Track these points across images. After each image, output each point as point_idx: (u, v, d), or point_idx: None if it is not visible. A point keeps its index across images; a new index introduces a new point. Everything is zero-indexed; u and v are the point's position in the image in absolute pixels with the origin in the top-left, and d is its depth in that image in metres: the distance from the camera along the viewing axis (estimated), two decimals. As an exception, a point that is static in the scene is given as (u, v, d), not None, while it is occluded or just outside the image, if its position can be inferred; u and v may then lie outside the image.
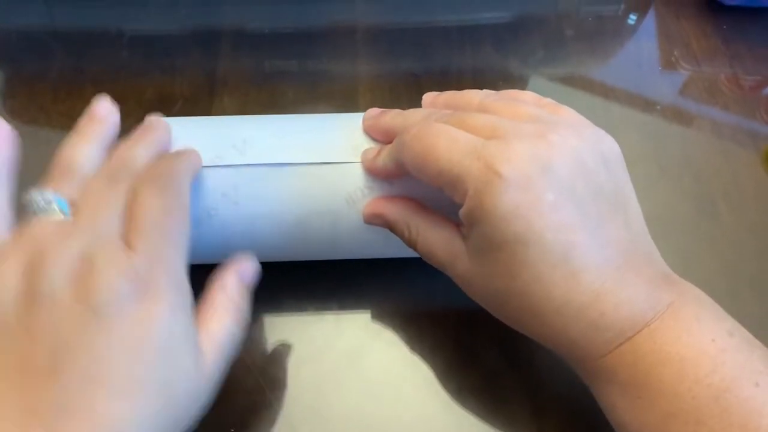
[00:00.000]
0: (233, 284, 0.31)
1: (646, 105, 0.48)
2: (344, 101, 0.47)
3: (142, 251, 0.26)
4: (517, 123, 0.29)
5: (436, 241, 0.31)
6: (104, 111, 0.33)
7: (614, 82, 0.49)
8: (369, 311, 0.39)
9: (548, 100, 0.33)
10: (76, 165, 0.30)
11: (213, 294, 0.30)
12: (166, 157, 0.31)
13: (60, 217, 0.27)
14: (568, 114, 0.31)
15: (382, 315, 0.38)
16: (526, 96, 0.33)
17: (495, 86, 0.48)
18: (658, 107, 0.47)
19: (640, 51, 0.51)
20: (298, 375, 0.37)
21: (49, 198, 0.27)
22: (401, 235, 0.32)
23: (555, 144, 0.27)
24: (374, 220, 0.33)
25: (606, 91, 0.48)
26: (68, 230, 0.26)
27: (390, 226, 0.33)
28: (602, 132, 0.30)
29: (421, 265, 0.34)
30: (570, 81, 0.48)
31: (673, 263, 0.40)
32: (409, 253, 0.34)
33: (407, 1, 0.53)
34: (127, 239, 0.27)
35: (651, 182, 0.44)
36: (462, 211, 0.28)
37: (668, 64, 0.50)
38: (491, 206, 0.26)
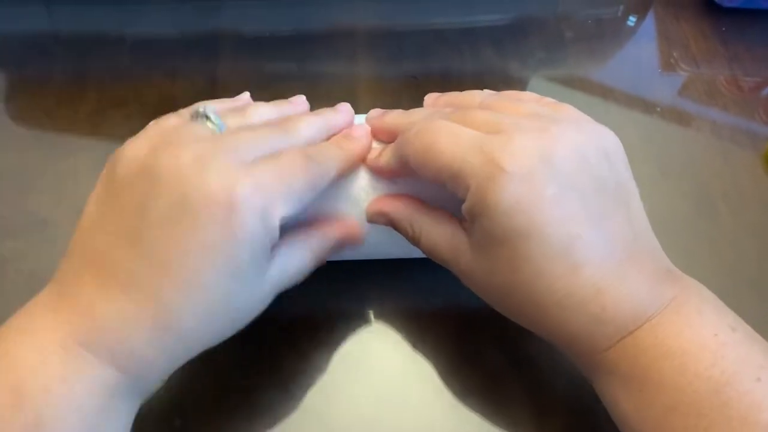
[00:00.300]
0: (331, 236, 0.33)
1: (646, 106, 0.48)
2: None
3: (255, 177, 0.27)
4: (519, 119, 0.29)
5: (439, 237, 0.31)
6: (299, 100, 0.36)
7: (614, 84, 0.49)
8: (371, 311, 0.39)
9: (549, 99, 0.33)
10: (255, 115, 0.32)
11: (309, 231, 0.32)
12: (336, 140, 0.33)
13: (212, 127, 0.30)
14: (569, 111, 0.32)
15: (383, 314, 0.39)
16: (527, 95, 0.34)
17: (495, 88, 0.47)
18: (658, 109, 0.47)
19: (640, 53, 0.51)
20: (299, 375, 0.37)
21: (213, 114, 0.30)
22: (405, 233, 0.33)
23: (557, 139, 0.27)
24: (377, 218, 0.33)
25: (606, 93, 0.48)
26: (207, 135, 0.29)
27: (393, 224, 0.33)
28: (604, 128, 0.30)
29: (423, 265, 0.34)
30: (570, 83, 0.49)
31: (673, 263, 0.41)
32: (413, 253, 0.34)
33: (406, 4, 0.53)
34: (251, 163, 0.28)
35: (651, 183, 0.44)
36: (465, 206, 0.28)
37: (667, 66, 0.50)
38: (493, 201, 0.27)
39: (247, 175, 0.27)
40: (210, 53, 0.50)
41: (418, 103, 0.47)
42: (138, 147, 0.28)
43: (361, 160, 0.34)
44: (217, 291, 0.27)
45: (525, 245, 0.27)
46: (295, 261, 0.31)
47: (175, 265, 0.26)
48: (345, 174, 0.33)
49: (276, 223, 0.28)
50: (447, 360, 0.37)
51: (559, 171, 0.27)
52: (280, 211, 0.28)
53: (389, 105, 0.47)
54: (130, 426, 0.28)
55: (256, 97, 0.47)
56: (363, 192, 0.34)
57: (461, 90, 0.47)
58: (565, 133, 0.28)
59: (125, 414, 0.28)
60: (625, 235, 0.28)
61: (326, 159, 0.31)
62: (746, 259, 0.41)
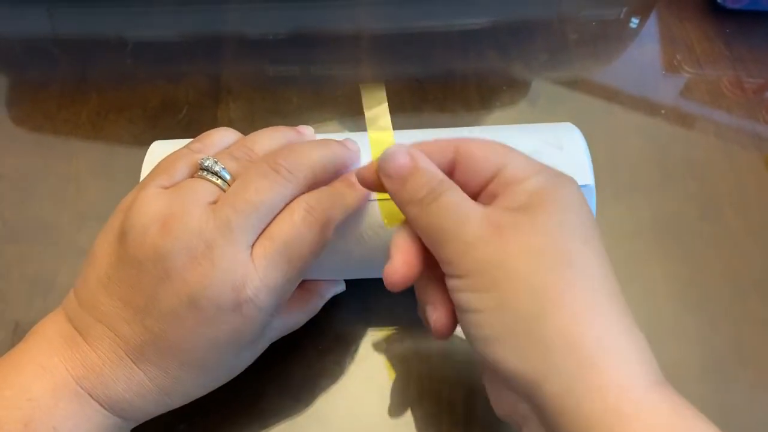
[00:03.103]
0: (326, 295, 0.36)
1: (650, 108, 0.48)
2: (348, 106, 0.48)
3: (260, 273, 0.28)
4: None
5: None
6: (307, 131, 0.35)
7: (617, 86, 0.49)
8: (375, 317, 0.39)
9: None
10: (254, 147, 0.32)
11: (309, 295, 0.35)
12: (336, 187, 0.32)
13: (220, 183, 0.30)
14: None
15: (387, 321, 0.39)
16: None
17: (498, 90, 0.48)
18: (662, 110, 0.47)
19: (643, 54, 0.51)
20: (304, 381, 0.37)
21: (221, 170, 0.30)
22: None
23: None
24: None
25: (609, 95, 0.48)
26: (210, 212, 0.29)
27: None
28: None
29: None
30: (573, 85, 0.49)
31: (678, 267, 0.41)
32: None
33: (409, 7, 0.53)
34: (255, 245, 0.29)
35: (655, 186, 0.44)
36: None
37: (671, 68, 0.50)
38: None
39: (255, 271, 0.28)
40: (213, 56, 0.50)
41: (422, 107, 0.47)
42: (150, 216, 0.29)
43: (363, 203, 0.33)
44: (221, 367, 0.31)
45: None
46: (291, 323, 0.34)
47: (183, 352, 0.29)
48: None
49: (281, 303, 0.30)
50: (452, 366, 0.37)
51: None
52: (287, 295, 0.30)
53: (392, 108, 0.47)
54: None
55: (259, 101, 0.48)
56: (371, 230, 0.33)
57: (465, 93, 0.48)
58: None
59: None
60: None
61: (330, 215, 0.30)
62: (751, 261, 0.41)
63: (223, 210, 0.29)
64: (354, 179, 0.31)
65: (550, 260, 0.25)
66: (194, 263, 0.28)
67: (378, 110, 0.33)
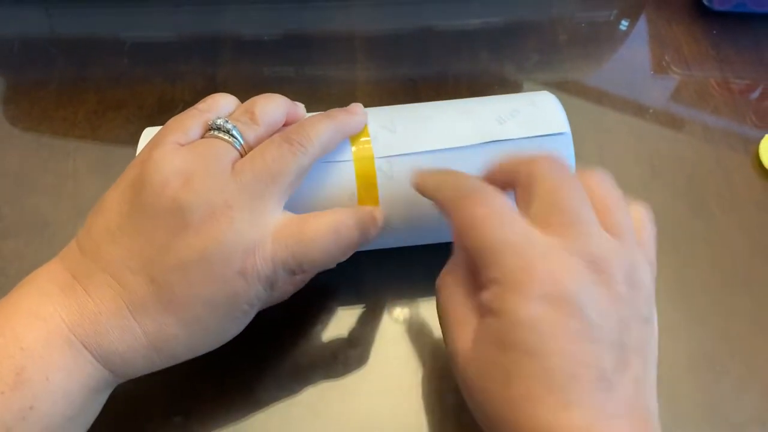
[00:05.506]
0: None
1: (639, 109, 0.48)
2: (342, 106, 0.48)
3: (271, 246, 0.30)
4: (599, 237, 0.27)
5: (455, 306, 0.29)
6: (301, 106, 0.36)
7: (607, 87, 0.49)
8: (369, 307, 0.39)
9: (634, 207, 0.32)
10: (264, 116, 0.33)
11: None
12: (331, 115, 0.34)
13: (229, 139, 0.31)
14: (644, 234, 0.31)
15: (382, 310, 0.39)
16: (616, 200, 0.30)
17: (491, 90, 0.48)
18: (651, 111, 0.48)
19: (633, 56, 0.52)
20: (297, 371, 0.37)
21: (233, 128, 0.31)
22: None
23: (609, 276, 0.26)
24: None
25: (599, 96, 0.49)
26: (230, 179, 0.30)
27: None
28: (652, 259, 0.30)
29: (422, 258, 0.34)
30: (564, 86, 0.49)
31: (668, 264, 0.41)
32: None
33: (404, 8, 0.53)
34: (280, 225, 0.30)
35: (644, 185, 0.45)
36: (484, 295, 0.27)
37: (660, 69, 0.51)
38: (513, 307, 0.25)
39: (269, 243, 0.29)
40: (209, 56, 0.51)
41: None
42: (170, 171, 0.29)
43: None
44: (214, 330, 0.31)
45: (527, 364, 0.25)
46: (277, 294, 0.35)
47: (183, 307, 0.29)
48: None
49: (283, 275, 0.31)
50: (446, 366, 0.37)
51: (591, 309, 0.25)
52: (291, 267, 0.31)
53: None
54: (101, 408, 0.31)
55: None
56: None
57: (458, 93, 0.48)
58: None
59: (102, 401, 0.31)
60: (628, 392, 0.25)
61: (318, 136, 0.32)
62: (739, 259, 0.42)
63: (244, 174, 0.30)
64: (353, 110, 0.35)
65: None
66: (213, 219, 0.28)
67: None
